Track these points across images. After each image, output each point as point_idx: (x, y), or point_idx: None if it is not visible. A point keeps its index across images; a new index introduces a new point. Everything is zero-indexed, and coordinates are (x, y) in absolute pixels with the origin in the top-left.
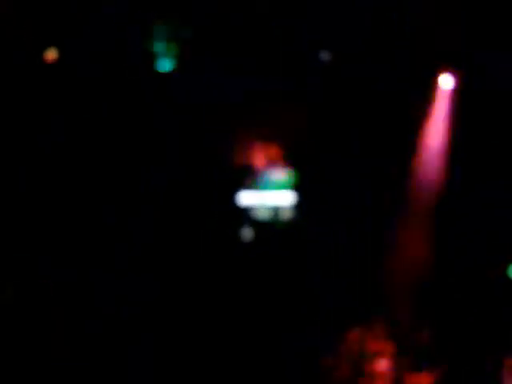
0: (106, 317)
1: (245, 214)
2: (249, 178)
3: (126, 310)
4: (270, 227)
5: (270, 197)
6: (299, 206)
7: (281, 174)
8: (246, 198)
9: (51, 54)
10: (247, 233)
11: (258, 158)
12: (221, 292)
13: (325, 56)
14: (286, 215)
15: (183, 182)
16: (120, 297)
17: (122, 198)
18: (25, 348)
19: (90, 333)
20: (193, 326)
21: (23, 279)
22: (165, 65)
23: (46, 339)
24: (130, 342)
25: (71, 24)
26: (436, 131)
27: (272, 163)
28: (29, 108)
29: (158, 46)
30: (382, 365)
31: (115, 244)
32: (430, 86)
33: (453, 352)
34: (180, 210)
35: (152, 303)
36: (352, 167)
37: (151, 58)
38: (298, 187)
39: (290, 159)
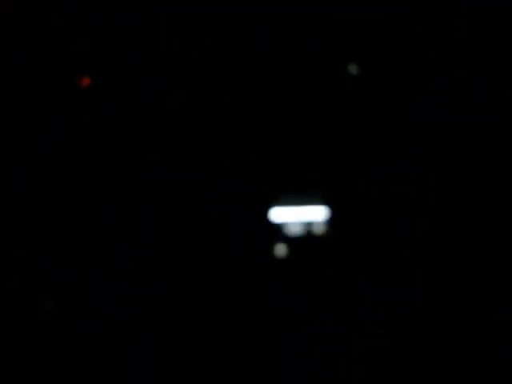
0: (106, 317)
1: (278, 230)
2: (282, 193)
3: (126, 309)
4: (304, 243)
5: (304, 212)
6: (333, 221)
7: (314, 189)
8: (279, 213)
9: (85, 81)
10: (280, 248)
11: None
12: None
13: (353, 69)
14: (320, 230)
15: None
16: (120, 297)
17: (127, 198)
18: (24, 348)
19: (89, 333)
20: (197, 327)
21: (23, 279)
22: None
23: (46, 339)
24: (130, 341)
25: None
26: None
27: (304, 177)
28: (29, 108)
29: None
30: None
31: (115, 244)
32: None
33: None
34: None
35: (153, 303)
36: (386, 182)
37: None
38: (332, 202)
39: (323, 174)
